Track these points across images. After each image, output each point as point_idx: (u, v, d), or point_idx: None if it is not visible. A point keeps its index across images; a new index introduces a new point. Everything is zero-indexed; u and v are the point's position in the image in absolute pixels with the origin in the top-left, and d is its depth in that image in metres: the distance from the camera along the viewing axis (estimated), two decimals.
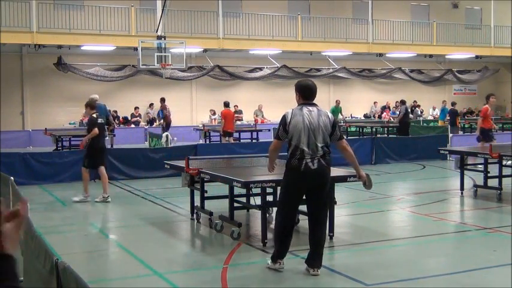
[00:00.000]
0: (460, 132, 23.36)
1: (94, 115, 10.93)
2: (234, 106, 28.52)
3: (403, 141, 18.17)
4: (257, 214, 8.49)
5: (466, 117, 28.98)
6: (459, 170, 11.38)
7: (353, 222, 8.64)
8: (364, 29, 28.72)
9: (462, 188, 11.19)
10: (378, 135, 21.41)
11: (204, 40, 25.41)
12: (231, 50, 26.68)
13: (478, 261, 6.75)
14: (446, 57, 32.04)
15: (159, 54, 20.37)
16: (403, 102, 22.44)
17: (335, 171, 8.51)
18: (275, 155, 6.52)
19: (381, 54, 29.33)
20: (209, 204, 8.87)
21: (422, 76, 31.92)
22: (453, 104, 23.60)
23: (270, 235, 7.85)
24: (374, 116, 31.10)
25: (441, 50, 30.38)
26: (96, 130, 10.66)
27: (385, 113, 31.02)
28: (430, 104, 32.64)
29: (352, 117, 30.07)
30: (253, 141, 20.64)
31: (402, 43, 29.28)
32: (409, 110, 22.81)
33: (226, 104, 19.62)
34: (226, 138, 18.81)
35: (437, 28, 30.07)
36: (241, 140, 20.85)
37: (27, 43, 23.16)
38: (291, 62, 28.15)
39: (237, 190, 8.07)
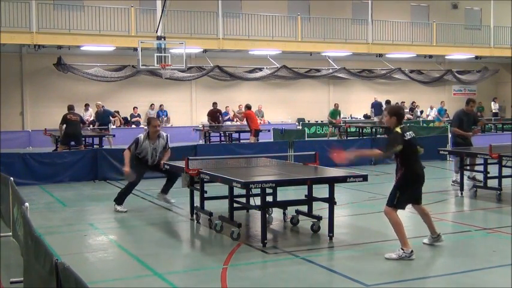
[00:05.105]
0: None
1: None
2: (238, 106, 28.58)
3: None
4: (257, 214, 8.48)
5: None
6: (458, 172, 11.40)
7: (353, 223, 8.63)
8: (364, 30, 28.72)
9: (462, 189, 11.21)
10: (378, 136, 21.39)
11: (203, 40, 25.42)
12: (230, 51, 26.68)
13: (478, 261, 6.76)
14: (446, 57, 32.04)
15: (158, 54, 20.38)
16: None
17: (335, 172, 8.54)
18: None
19: (380, 55, 29.33)
20: (209, 205, 8.85)
21: (422, 76, 31.92)
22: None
23: (269, 235, 7.85)
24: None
25: (441, 50, 30.38)
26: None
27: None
28: (430, 105, 32.65)
29: (351, 118, 30.05)
30: None
31: (402, 43, 29.28)
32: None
33: (249, 107, 20.03)
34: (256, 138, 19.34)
35: (437, 28, 30.07)
36: (241, 141, 20.86)
37: (27, 43, 23.16)
38: (291, 62, 28.14)
39: (237, 190, 8.06)
